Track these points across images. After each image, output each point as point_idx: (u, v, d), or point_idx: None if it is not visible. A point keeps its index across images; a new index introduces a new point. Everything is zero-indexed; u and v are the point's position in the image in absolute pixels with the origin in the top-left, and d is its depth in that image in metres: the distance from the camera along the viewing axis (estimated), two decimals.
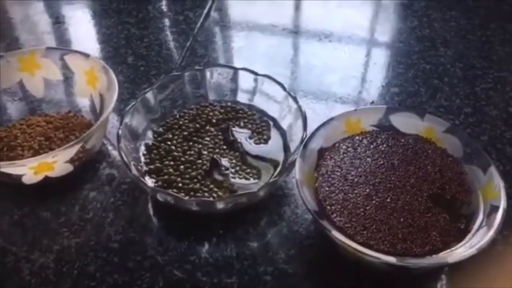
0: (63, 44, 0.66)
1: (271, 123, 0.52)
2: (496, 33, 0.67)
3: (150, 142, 0.49)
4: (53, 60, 0.52)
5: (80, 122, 0.52)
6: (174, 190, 0.44)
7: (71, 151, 0.44)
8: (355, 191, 0.42)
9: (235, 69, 0.53)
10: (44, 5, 0.75)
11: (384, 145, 0.46)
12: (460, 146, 0.44)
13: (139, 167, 0.46)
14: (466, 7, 0.73)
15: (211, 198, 0.44)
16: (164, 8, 0.74)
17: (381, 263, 0.37)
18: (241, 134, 0.50)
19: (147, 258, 0.42)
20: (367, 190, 0.42)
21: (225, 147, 0.49)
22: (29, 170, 0.43)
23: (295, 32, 0.69)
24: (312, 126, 0.45)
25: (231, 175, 0.47)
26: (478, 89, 0.59)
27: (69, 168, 0.46)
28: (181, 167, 0.47)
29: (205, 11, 0.72)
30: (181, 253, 0.42)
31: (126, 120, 0.47)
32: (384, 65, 0.63)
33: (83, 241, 0.43)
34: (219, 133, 0.50)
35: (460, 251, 0.37)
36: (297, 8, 0.75)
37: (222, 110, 0.53)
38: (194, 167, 0.47)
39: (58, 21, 0.71)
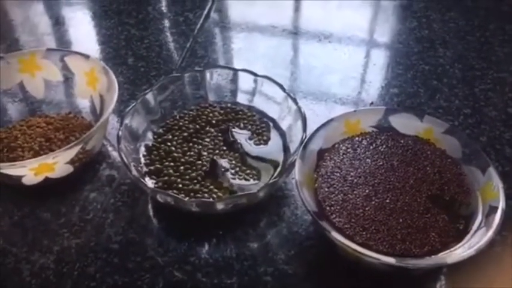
0: (63, 45, 0.66)
1: (271, 124, 0.52)
2: (495, 34, 0.68)
3: (150, 143, 0.50)
4: (53, 61, 0.52)
5: (80, 123, 0.52)
6: (174, 191, 0.44)
7: (71, 152, 0.44)
8: (355, 192, 0.42)
9: (235, 70, 0.53)
10: (44, 6, 0.75)
11: (383, 146, 0.46)
12: (459, 146, 0.44)
13: (139, 168, 0.46)
14: (465, 8, 0.73)
15: (211, 199, 0.44)
16: (164, 9, 0.74)
17: (380, 264, 0.37)
18: (241, 135, 0.51)
19: (147, 259, 0.42)
20: (367, 191, 0.42)
21: (224, 148, 0.49)
22: (29, 171, 0.43)
23: (295, 33, 0.69)
24: (311, 127, 0.45)
25: (230, 176, 0.47)
26: (477, 90, 0.59)
27: (70, 169, 0.46)
28: (181, 168, 0.47)
29: (205, 12, 0.72)
30: (181, 254, 0.43)
31: (126, 121, 0.47)
32: (383, 66, 0.63)
33: (83, 242, 0.43)
34: (219, 134, 0.51)
35: (459, 252, 0.37)
36: (297, 9, 0.75)
37: (221, 111, 0.53)
38: (194, 168, 0.47)
39: (58, 23, 0.71)
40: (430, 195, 0.42)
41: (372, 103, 0.58)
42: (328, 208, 0.41)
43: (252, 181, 0.46)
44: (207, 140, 0.50)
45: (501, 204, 0.38)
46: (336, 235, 0.37)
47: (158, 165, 0.47)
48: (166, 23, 0.71)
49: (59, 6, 0.75)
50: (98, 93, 0.51)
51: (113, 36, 0.68)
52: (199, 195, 0.44)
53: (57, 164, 0.44)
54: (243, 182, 0.46)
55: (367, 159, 0.44)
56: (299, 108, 0.48)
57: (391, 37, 0.69)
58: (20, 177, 0.44)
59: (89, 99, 0.52)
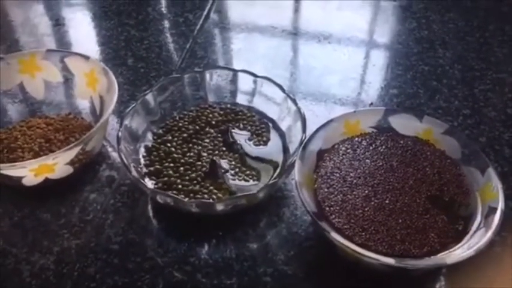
0: (63, 46, 0.66)
1: (270, 124, 0.52)
2: (494, 35, 0.68)
3: (149, 144, 0.50)
4: (53, 62, 0.52)
5: (80, 124, 0.52)
6: (174, 192, 0.45)
7: (71, 153, 0.44)
8: (354, 193, 0.42)
9: (235, 71, 0.53)
10: (44, 7, 0.75)
11: (383, 147, 0.46)
12: (459, 147, 0.45)
13: (139, 169, 0.46)
14: (464, 9, 0.73)
15: (210, 200, 0.44)
16: (164, 9, 0.74)
17: (380, 264, 0.37)
18: (240, 136, 0.51)
19: (147, 260, 0.42)
20: (366, 191, 0.42)
21: (224, 148, 0.49)
22: (29, 171, 0.43)
23: (295, 33, 0.69)
24: (311, 128, 0.45)
25: (230, 177, 0.47)
26: (477, 91, 0.59)
27: (69, 170, 0.46)
28: (181, 168, 0.47)
29: (205, 12, 0.72)
30: (181, 254, 0.43)
31: (126, 122, 0.47)
32: (383, 67, 0.63)
33: (83, 243, 0.43)
34: (219, 135, 0.51)
35: (458, 252, 0.37)
36: (297, 9, 0.75)
37: (221, 112, 0.53)
38: (194, 168, 0.47)
39: (58, 24, 0.71)
40: (430, 195, 0.42)
41: (371, 104, 0.58)
42: (327, 209, 0.41)
43: (251, 182, 0.46)
44: (207, 140, 0.50)
45: (500, 205, 0.38)
46: (335, 236, 0.37)
47: (158, 166, 0.47)
48: (166, 23, 0.71)
49: (59, 7, 0.75)
50: (98, 94, 0.51)
51: (112, 37, 0.68)
52: (199, 196, 0.45)
53: (57, 164, 0.44)
54: (243, 182, 0.46)
55: (367, 160, 0.45)
56: (299, 109, 0.48)
57: (391, 38, 0.69)
58: (20, 178, 0.44)
59: (88, 100, 0.52)
